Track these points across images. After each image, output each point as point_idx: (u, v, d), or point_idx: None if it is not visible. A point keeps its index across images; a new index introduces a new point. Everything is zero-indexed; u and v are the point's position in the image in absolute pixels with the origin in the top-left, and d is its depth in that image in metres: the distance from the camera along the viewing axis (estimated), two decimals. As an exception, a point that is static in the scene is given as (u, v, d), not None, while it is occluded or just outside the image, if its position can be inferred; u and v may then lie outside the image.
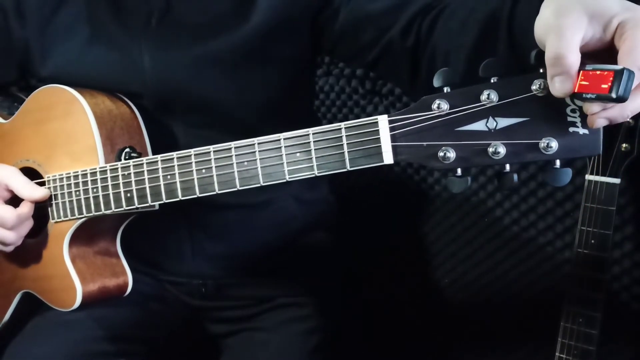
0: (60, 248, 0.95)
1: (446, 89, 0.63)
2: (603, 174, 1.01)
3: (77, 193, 0.90)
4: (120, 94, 0.97)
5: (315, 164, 0.70)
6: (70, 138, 0.93)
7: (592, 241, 1.02)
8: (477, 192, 1.31)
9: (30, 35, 1.01)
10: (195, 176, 0.79)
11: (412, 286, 1.44)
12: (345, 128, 0.68)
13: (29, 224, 0.95)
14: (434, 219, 1.39)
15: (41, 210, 0.97)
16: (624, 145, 0.99)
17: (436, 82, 0.64)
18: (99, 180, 0.88)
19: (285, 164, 0.72)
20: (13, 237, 0.93)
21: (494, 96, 0.60)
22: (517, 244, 1.29)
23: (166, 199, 0.82)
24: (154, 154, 0.95)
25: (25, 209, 0.93)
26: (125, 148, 0.91)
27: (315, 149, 0.70)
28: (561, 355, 1.04)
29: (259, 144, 0.73)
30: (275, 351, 1.07)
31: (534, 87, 0.59)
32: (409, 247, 1.43)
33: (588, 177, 1.02)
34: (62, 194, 0.92)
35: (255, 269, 1.11)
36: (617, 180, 1.00)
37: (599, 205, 1.01)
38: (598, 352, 1.02)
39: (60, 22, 0.99)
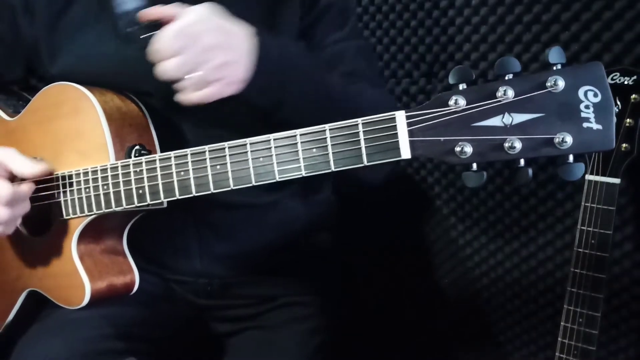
0: (69, 245, 0.94)
1: (462, 86, 0.65)
2: (603, 174, 1.02)
3: (87, 190, 0.90)
4: (129, 92, 0.97)
5: (332, 159, 0.71)
6: (80, 135, 0.93)
7: (592, 241, 1.03)
8: (478, 192, 1.32)
9: (39, 32, 1.00)
10: (209, 172, 0.79)
11: (412, 286, 1.45)
12: (362, 123, 0.69)
13: (25, 206, 0.92)
14: (434, 219, 1.40)
15: (48, 208, 0.96)
16: (624, 145, 1.00)
17: (452, 79, 0.65)
18: (109, 177, 0.88)
19: (301, 159, 0.72)
20: (7, 215, 0.88)
21: (510, 92, 0.62)
22: (517, 244, 1.30)
23: (179, 195, 0.82)
24: (162, 152, 0.94)
25: (24, 187, 0.90)
26: (135, 145, 0.91)
27: (332, 145, 0.70)
28: (561, 355, 1.05)
29: (274, 139, 0.74)
30: (278, 350, 1.07)
31: (548, 84, 0.61)
32: (409, 247, 1.44)
33: (588, 177, 1.03)
34: (72, 190, 0.92)
35: (260, 268, 1.12)
36: (617, 180, 1.01)
37: (599, 205, 1.02)
38: (598, 352, 1.03)
39: (69, 19, 0.99)
